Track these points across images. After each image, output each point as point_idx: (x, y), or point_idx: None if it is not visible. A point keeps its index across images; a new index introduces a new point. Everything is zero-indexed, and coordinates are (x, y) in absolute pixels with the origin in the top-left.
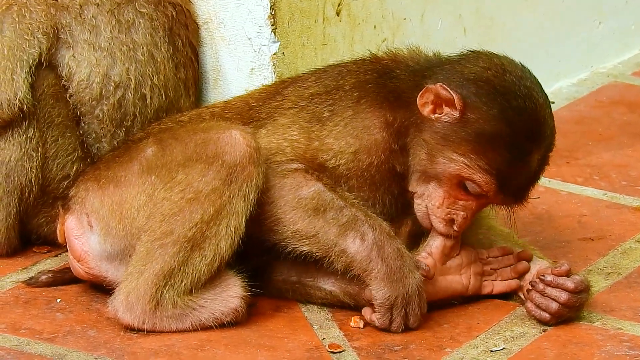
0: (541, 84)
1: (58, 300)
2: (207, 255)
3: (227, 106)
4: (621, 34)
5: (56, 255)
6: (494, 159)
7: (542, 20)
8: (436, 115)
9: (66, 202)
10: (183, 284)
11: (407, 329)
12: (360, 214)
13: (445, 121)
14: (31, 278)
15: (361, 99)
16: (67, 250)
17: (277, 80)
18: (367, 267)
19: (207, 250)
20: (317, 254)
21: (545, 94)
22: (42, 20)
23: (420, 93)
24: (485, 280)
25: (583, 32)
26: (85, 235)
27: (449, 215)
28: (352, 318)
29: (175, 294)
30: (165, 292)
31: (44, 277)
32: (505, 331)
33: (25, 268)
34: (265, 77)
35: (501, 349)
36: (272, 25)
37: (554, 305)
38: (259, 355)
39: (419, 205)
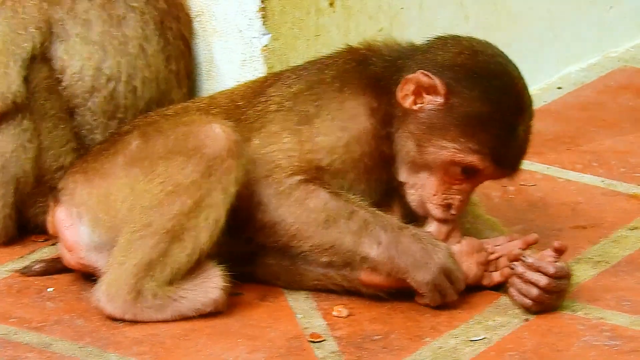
0: (551, 71)
1: (49, 290)
2: (186, 246)
3: (212, 102)
4: (633, 17)
5: (53, 244)
6: (484, 139)
7: (550, 4)
8: (418, 105)
9: (56, 193)
10: (163, 274)
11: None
12: (369, 215)
13: (429, 109)
14: (25, 267)
15: (343, 87)
16: None
17: (268, 73)
18: (393, 266)
19: (186, 241)
20: (339, 264)
21: (516, 65)
22: (35, 15)
23: (400, 85)
24: (486, 271)
25: (594, 16)
26: (75, 226)
27: (445, 201)
28: (335, 307)
29: (155, 284)
30: (145, 283)
31: (37, 266)
32: (487, 321)
33: (22, 257)
34: (256, 69)
35: (481, 339)
36: (263, 18)
37: (534, 291)
38: (240, 344)
39: (412, 195)
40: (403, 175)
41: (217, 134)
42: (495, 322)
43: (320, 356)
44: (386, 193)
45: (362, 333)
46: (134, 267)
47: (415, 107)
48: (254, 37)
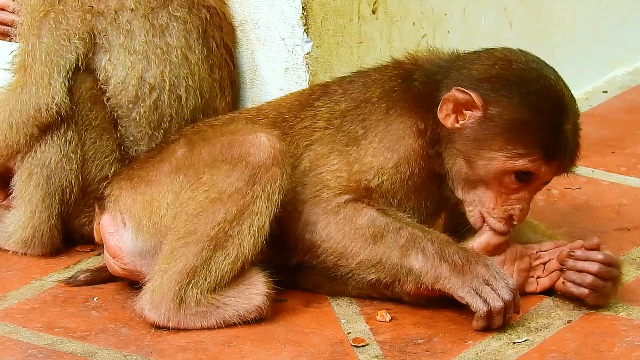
0: (596, 75)
1: (94, 299)
2: (230, 254)
3: (259, 113)
4: None
5: (99, 254)
6: (530, 141)
7: (594, 9)
8: (460, 122)
9: (101, 201)
10: (207, 282)
11: (506, 306)
12: (417, 230)
13: (471, 125)
14: (70, 277)
15: (390, 110)
16: None
17: (312, 83)
18: (435, 275)
19: (230, 249)
20: (385, 279)
21: (553, 68)
22: (78, 26)
23: (439, 106)
24: (531, 277)
25: (638, 20)
26: (119, 232)
27: (506, 213)
28: (379, 312)
29: (199, 292)
30: (188, 290)
31: (82, 276)
32: (530, 323)
33: (67, 267)
34: (300, 77)
35: (524, 341)
36: (305, 26)
37: (588, 278)
38: (283, 350)
39: (471, 212)
40: (459, 193)
41: (262, 142)
42: (538, 324)
43: None
44: (437, 208)
45: (406, 337)
46: (177, 275)
47: (457, 125)
48: (297, 45)
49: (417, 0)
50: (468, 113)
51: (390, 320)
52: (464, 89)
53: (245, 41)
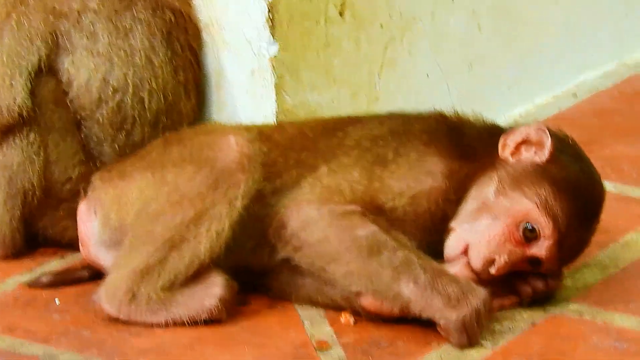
0: (566, 79)
1: (57, 302)
2: (185, 256)
3: (278, 129)
4: None
5: (62, 257)
6: (566, 211)
7: (565, 12)
8: (515, 157)
9: (86, 187)
10: (159, 281)
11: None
12: (413, 256)
13: (525, 162)
14: (32, 280)
15: (430, 143)
16: (72, 252)
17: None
18: (425, 305)
19: (184, 251)
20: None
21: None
22: (40, 27)
23: (509, 132)
24: None
25: (610, 24)
26: (90, 221)
27: (492, 254)
28: (343, 315)
29: (151, 289)
30: (141, 287)
31: (44, 278)
32: (494, 325)
33: (30, 270)
34: (265, 79)
35: (487, 343)
36: (271, 28)
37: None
38: (246, 352)
39: (456, 238)
40: (458, 221)
41: (230, 146)
42: (502, 326)
43: None
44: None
45: (369, 340)
46: (131, 271)
47: (511, 159)
48: (263, 48)
49: (385, 2)
50: (527, 154)
51: (354, 323)
52: (545, 129)
53: (210, 43)
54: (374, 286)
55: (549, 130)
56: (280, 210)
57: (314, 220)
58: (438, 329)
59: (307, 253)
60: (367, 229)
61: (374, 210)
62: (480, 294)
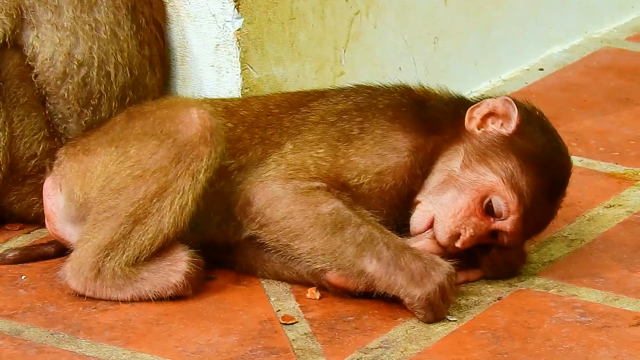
0: (533, 53)
1: (22, 277)
2: (149, 230)
3: (244, 104)
4: None
5: (28, 233)
6: (532, 185)
7: None
8: (482, 130)
9: (51, 163)
10: (124, 256)
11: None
12: (376, 231)
13: (491, 135)
14: None
15: (395, 120)
16: (38, 228)
17: (242, 59)
18: (389, 282)
19: (148, 225)
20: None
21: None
22: (5, 1)
23: (475, 105)
24: None
25: None
26: (55, 196)
27: (457, 229)
28: (309, 290)
29: (116, 264)
30: (106, 262)
31: (10, 254)
32: (459, 299)
33: None
34: (230, 53)
35: (453, 320)
36: (235, 2)
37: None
38: (212, 327)
39: (422, 211)
40: (424, 194)
41: (192, 119)
42: (467, 301)
43: (293, 338)
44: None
45: (335, 314)
46: (96, 247)
47: (478, 131)
48: (228, 21)
49: None
50: (493, 126)
51: (320, 298)
52: (512, 102)
53: (175, 17)
54: (337, 263)
55: (515, 102)
56: (245, 188)
57: (278, 197)
58: (405, 304)
59: (272, 230)
60: (331, 205)
61: (339, 187)
62: (444, 269)
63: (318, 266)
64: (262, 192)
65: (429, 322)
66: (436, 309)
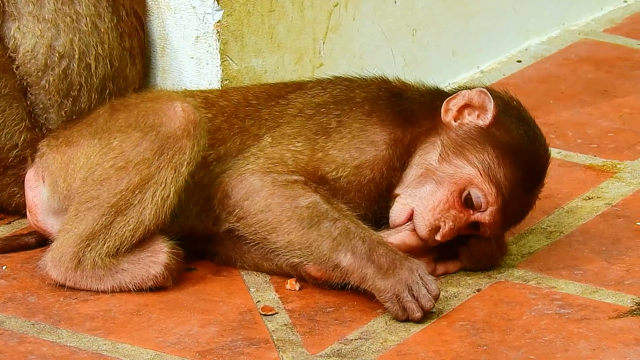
0: (511, 45)
1: (3, 268)
2: (130, 221)
3: (223, 94)
4: None
5: (9, 223)
6: (509, 177)
7: None
8: (458, 121)
9: (33, 154)
10: (105, 246)
11: (425, 312)
12: (352, 225)
13: (468, 127)
14: None
15: (373, 113)
16: (19, 218)
17: (221, 51)
18: (361, 276)
19: (130, 217)
20: (307, 265)
21: None
22: None
23: (451, 97)
24: None
25: None
26: (38, 188)
27: (436, 222)
28: (289, 281)
29: (96, 255)
30: (87, 252)
31: None
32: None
33: None
34: (210, 45)
35: (432, 310)
36: None
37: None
38: (192, 318)
39: (401, 204)
40: (402, 187)
41: (176, 112)
42: (447, 292)
43: (272, 328)
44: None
45: (315, 305)
46: (77, 237)
47: (454, 123)
48: (207, 13)
49: None
50: (469, 117)
51: (299, 289)
52: (487, 93)
53: (155, 9)
54: (313, 256)
55: (492, 93)
56: (224, 181)
57: (256, 190)
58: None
59: (249, 222)
60: (308, 199)
61: (317, 180)
62: (412, 264)
63: (295, 260)
64: (240, 184)
65: (399, 320)
66: (405, 304)
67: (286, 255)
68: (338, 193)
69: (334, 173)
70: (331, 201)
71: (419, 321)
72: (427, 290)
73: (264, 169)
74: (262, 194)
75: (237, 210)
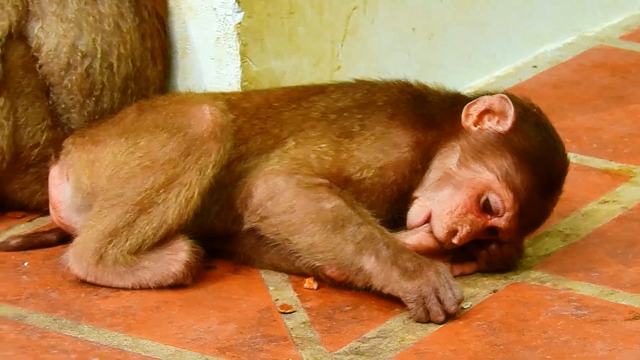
0: (526, 50)
1: (25, 264)
2: (153, 220)
3: (245, 97)
4: None
5: (30, 221)
6: (527, 183)
7: None
8: (478, 126)
9: (57, 152)
10: (127, 243)
11: (448, 316)
12: (377, 231)
13: (488, 133)
14: (1, 242)
15: (395, 116)
16: (40, 216)
17: (241, 52)
18: (384, 279)
19: (153, 215)
20: (330, 269)
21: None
22: None
23: (472, 102)
24: None
25: None
26: (62, 185)
27: (454, 225)
28: (307, 280)
29: (118, 251)
30: (109, 249)
31: (13, 241)
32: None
33: None
34: (231, 46)
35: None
36: None
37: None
38: (211, 316)
39: (419, 206)
40: (420, 191)
41: (204, 115)
42: (464, 293)
43: (291, 326)
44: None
45: (333, 304)
46: (100, 233)
47: (474, 128)
48: (228, 15)
49: None
50: (489, 123)
51: (317, 288)
52: (508, 99)
53: (177, 10)
54: (336, 260)
55: (512, 99)
56: (248, 181)
57: (280, 190)
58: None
59: (272, 223)
60: (333, 202)
61: (341, 183)
62: (440, 269)
63: (317, 263)
64: (264, 184)
65: (421, 321)
66: (429, 307)
67: (307, 257)
68: (362, 195)
69: (358, 174)
70: (355, 206)
71: (440, 324)
72: (453, 294)
73: (289, 170)
74: (286, 195)
75: (260, 210)
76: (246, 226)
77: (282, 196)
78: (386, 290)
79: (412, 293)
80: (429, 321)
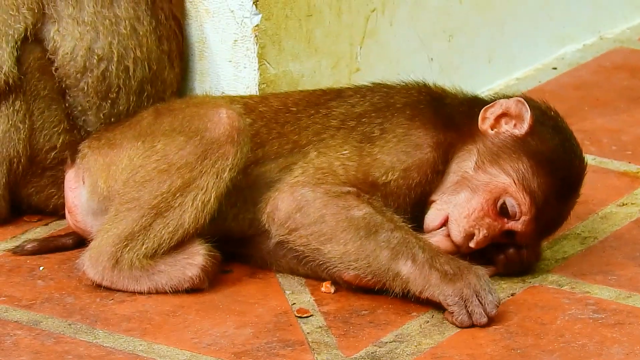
0: (546, 52)
1: (41, 268)
2: (169, 224)
3: (263, 100)
4: None
5: (46, 224)
6: (543, 186)
7: None
8: (495, 130)
9: (73, 155)
10: (143, 247)
11: (489, 319)
12: (410, 236)
13: (504, 136)
14: (17, 246)
15: (415, 117)
16: (56, 219)
17: (259, 55)
18: (423, 283)
19: (170, 219)
20: (365, 278)
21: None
22: None
23: (489, 105)
24: None
25: None
26: (78, 189)
27: (471, 229)
28: (324, 283)
29: (134, 256)
30: (125, 252)
31: (29, 245)
32: None
33: (14, 237)
34: (248, 49)
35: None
36: None
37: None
38: (228, 320)
39: (436, 210)
40: (438, 194)
41: (221, 118)
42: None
43: (307, 331)
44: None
45: (350, 308)
46: (116, 237)
47: (491, 131)
48: (246, 17)
49: None
50: (506, 126)
51: (334, 292)
52: (525, 102)
53: (194, 13)
54: (371, 267)
55: (529, 103)
56: (272, 195)
57: (309, 201)
58: (445, 316)
59: (302, 234)
60: (363, 210)
61: (368, 188)
62: (480, 272)
63: (351, 272)
64: (291, 197)
65: (462, 326)
66: (470, 309)
67: (339, 266)
68: (389, 199)
69: (383, 177)
70: (385, 212)
71: (482, 327)
72: (493, 298)
73: (315, 180)
74: (315, 205)
75: (288, 222)
76: (274, 240)
77: (310, 207)
78: (424, 294)
79: (454, 296)
80: (472, 325)
